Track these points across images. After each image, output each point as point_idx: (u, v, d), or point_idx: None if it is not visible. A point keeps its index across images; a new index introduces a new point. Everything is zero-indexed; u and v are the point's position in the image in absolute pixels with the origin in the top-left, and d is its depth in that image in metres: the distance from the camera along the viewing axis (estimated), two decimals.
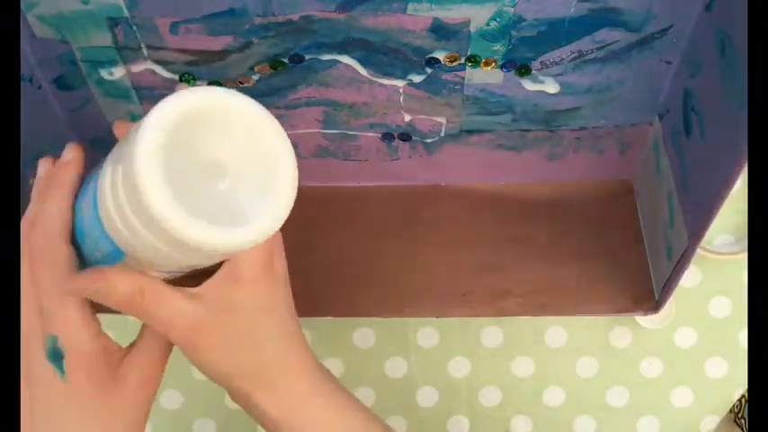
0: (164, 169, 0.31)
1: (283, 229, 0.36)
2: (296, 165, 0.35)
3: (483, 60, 0.49)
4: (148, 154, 0.30)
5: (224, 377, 0.40)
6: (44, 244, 0.37)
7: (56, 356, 0.36)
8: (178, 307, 0.37)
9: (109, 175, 0.33)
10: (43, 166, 0.41)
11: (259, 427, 0.65)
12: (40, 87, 0.50)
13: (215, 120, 0.33)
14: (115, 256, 0.36)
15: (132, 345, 0.41)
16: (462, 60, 0.49)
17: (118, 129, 0.39)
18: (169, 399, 0.64)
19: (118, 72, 0.49)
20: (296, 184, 0.35)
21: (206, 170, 0.33)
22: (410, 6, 0.45)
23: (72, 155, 0.40)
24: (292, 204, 0.35)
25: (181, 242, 0.32)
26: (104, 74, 0.50)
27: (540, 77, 0.50)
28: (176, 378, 0.64)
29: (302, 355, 0.42)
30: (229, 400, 0.64)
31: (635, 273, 0.56)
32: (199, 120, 0.32)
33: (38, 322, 0.37)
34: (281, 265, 0.40)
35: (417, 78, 0.50)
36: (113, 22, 0.46)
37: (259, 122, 0.34)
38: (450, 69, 0.49)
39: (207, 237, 0.32)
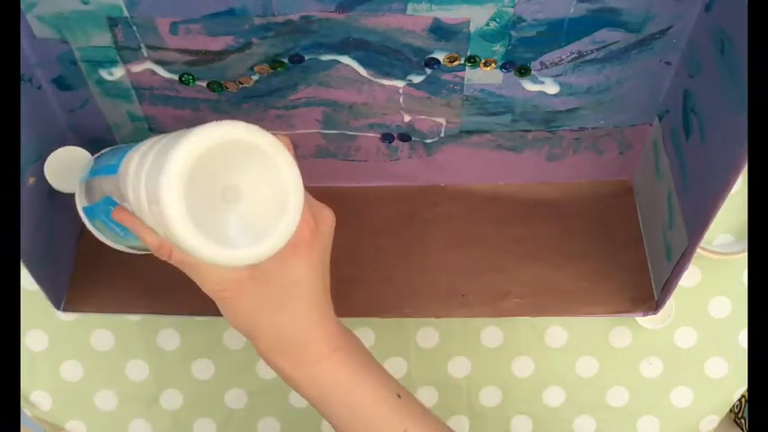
0: (186, 197, 0.35)
1: None
2: (302, 198, 0.39)
3: (483, 61, 0.49)
4: (173, 188, 0.35)
5: (246, 334, 0.44)
6: None
7: None
8: (208, 267, 0.41)
9: (132, 174, 0.38)
10: None
11: (259, 428, 0.65)
12: (39, 87, 0.50)
13: (234, 151, 0.37)
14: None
15: None
16: (462, 61, 0.49)
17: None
18: (169, 399, 0.64)
19: (118, 72, 0.49)
20: (299, 214, 0.39)
21: (224, 194, 0.38)
22: (410, 6, 0.45)
23: None
24: (294, 227, 0.39)
25: (194, 255, 0.36)
26: (104, 74, 0.50)
27: (540, 78, 0.50)
28: (176, 378, 0.64)
29: (324, 329, 0.44)
30: (229, 400, 0.64)
31: (635, 273, 0.56)
32: (220, 151, 0.36)
33: None
34: (318, 242, 0.43)
35: (417, 79, 0.50)
36: (113, 22, 0.46)
37: (273, 155, 0.38)
38: (450, 70, 0.49)
39: (216, 256, 0.36)
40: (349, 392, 0.45)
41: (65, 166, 0.51)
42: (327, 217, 0.44)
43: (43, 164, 0.51)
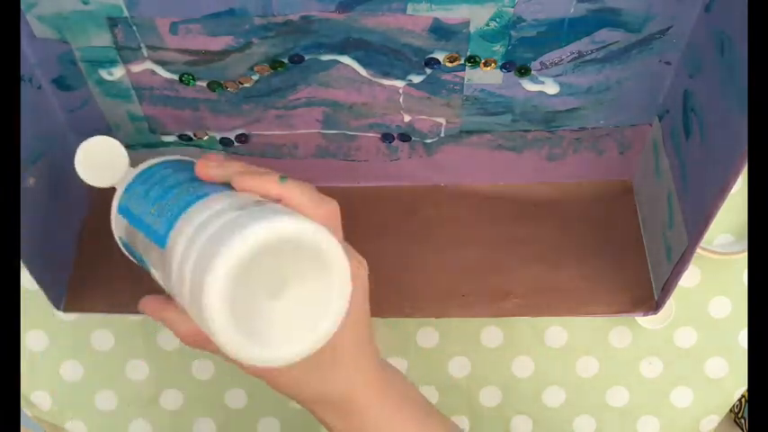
0: (231, 302, 0.33)
1: None
2: (347, 301, 0.37)
3: (483, 61, 0.49)
4: (218, 295, 0.32)
5: (296, 401, 0.43)
6: None
7: None
8: None
9: (181, 252, 0.36)
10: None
11: (259, 428, 0.65)
12: (39, 87, 0.50)
13: (286, 246, 0.34)
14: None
15: None
16: (462, 61, 0.49)
17: (204, 168, 0.41)
18: (169, 399, 0.64)
19: (118, 72, 0.50)
20: (341, 318, 0.37)
21: (269, 289, 0.36)
22: (410, 6, 0.45)
23: None
24: (334, 331, 0.37)
25: (233, 357, 0.35)
26: (104, 74, 0.50)
27: (540, 78, 0.50)
28: (176, 378, 0.64)
29: (369, 381, 0.44)
30: (229, 400, 0.64)
31: (635, 273, 0.56)
32: (273, 247, 0.34)
33: None
34: (355, 308, 0.40)
35: (417, 79, 0.50)
36: (113, 22, 0.46)
37: (326, 253, 0.35)
38: (450, 70, 0.49)
39: (255, 358, 0.35)
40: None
41: (99, 159, 0.46)
42: (361, 271, 0.42)
43: (43, 164, 0.51)
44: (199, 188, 0.40)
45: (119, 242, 0.46)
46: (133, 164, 0.46)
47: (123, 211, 0.44)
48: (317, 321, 0.36)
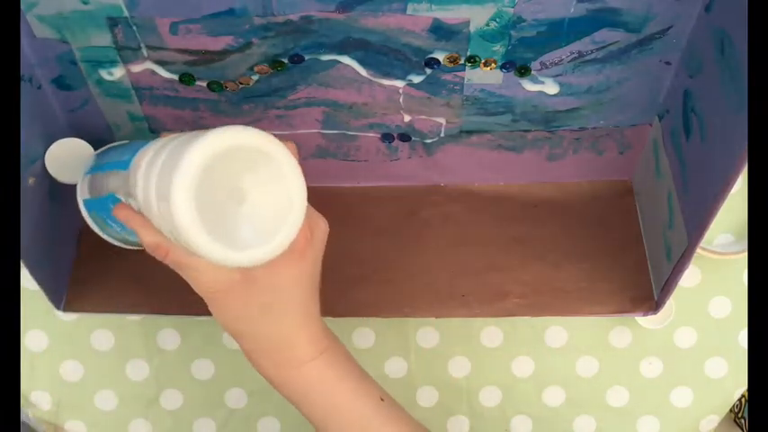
0: (196, 197, 0.36)
1: None
2: (305, 205, 0.40)
3: (483, 61, 0.49)
4: (185, 187, 0.35)
5: (232, 334, 0.45)
6: None
7: None
8: (202, 269, 0.42)
9: (145, 169, 0.39)
10: None
11: (259, 428, 0.65)
12: (39, 87, 0.50)
13: (243, 154, 0.38)
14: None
15: None
16: (462, 61, 0.49)
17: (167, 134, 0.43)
18: (169, 399, 0.64)
19: (118, 72, 0.50)
20: (301, 220, 0.40)
21: (230, 195, 0.39)
22: (410, 7, 0.45)
23: None
24: (296, 231, 0.40)
25: (199, 253, 0.37)
26: (104, 74, 0.50)
27: (540, 78, 0.50)
28: (176, 378, 0.64)
29: (309, 334, 0.45)
30: (229, 400, 0.64)
31: (634, 273, 0.56)
32: (230, 154, 0.37)
33: None
34: (311, 250, 0.44)
35: (417, 79, 0.50)
36: (113, 22, 0.46)
37: (280, 160, 0.39)
38: (450, 70, 0.49)
39: (220, 256, 0.37)
40: (331, 394, 0.45)
41: (66, 157, 0.51)
42: (322, 226, 0.45)
43: (44, 163, 0.51)
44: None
45: (82, 208, 0.48)
46: None
47: (91, 170, 0.48)
48: (280, 226, 0.39)
